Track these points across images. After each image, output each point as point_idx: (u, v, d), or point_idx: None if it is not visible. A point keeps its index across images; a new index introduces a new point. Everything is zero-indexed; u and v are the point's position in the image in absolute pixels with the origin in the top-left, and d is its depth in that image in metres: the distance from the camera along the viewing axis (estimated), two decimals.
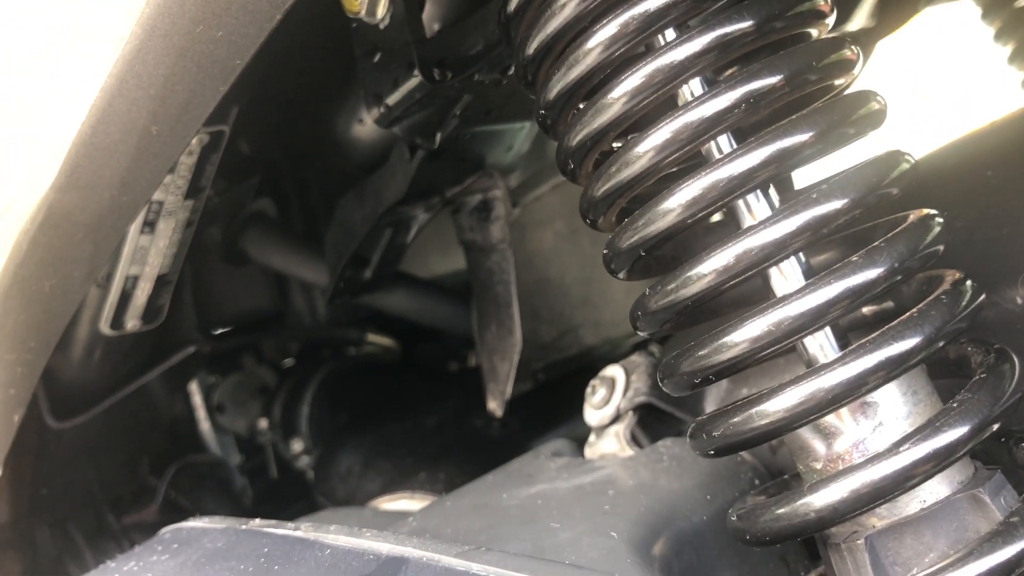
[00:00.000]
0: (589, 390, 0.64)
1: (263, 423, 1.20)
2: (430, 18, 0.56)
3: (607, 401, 0.63)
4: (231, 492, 1.17)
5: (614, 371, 0.64)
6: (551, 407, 0.90)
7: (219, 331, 0.98)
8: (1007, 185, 0.51)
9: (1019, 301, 0.47)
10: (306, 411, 1.12)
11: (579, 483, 0.54)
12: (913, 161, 0.41)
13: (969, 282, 0.40)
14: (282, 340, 1.16)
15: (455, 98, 0.60)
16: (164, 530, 0.58)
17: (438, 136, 0.63)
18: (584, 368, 0.82)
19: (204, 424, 1.19)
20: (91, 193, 0.53)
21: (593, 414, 0.63)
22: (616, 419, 0.62)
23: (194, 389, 1.15)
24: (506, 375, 0.78)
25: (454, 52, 0.56)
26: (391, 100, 0.58)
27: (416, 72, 0.55)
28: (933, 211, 0.41)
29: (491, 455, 0.72)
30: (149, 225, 0.73)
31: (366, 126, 0.73)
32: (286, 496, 1.15)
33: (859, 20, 0.91)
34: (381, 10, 0.55)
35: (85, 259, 0.60)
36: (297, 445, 1.13)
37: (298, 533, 0.49)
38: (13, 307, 0.63)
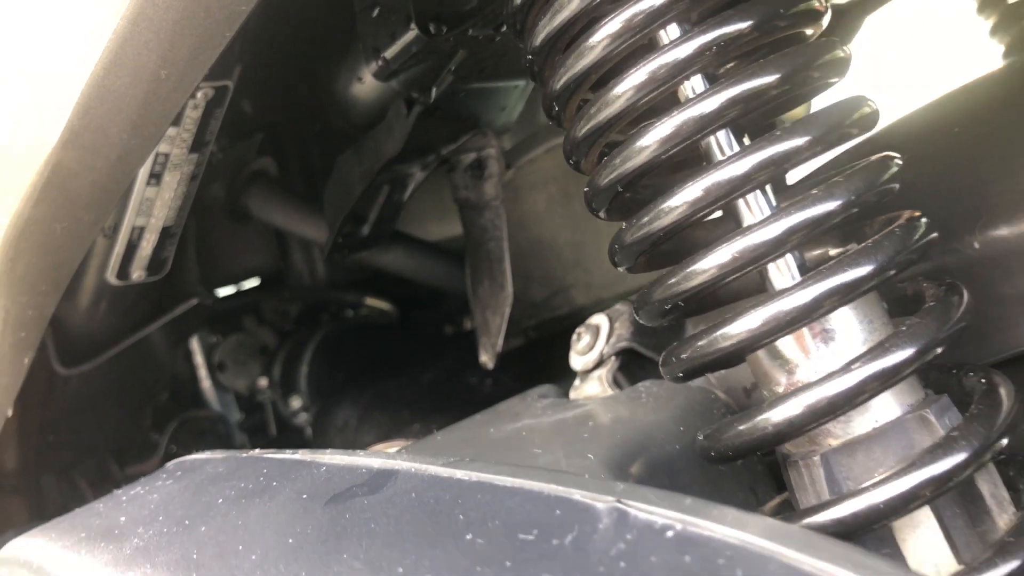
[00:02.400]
0: (575, 337, 0.67)
1: (263, 382, 1.23)
2: None
3: (591, 347, 0.66)
4: (231, 447, 1.20)
5: (599, 319, 0.67)
6: (542, 364, 0.93)
7: (222, 289, 1.01)
8: (971, 140, 0.54)
9: (976, 246, 0.50)
10: (305, 370, 1.16)
11: (561, 418, 0.57)
12: (875, 106, 0.44)
13: (923, 219, 0.43)
14: (282, 301, 1.19)
15: (450, 53, 0.63)
16: (169, 464, 0.61)
17: (434, 91, 0.65)
18: (574, 327, 0.85)
19: (205, 382, 1.23)
20: (102, 136, 0.56)
21: (578, 359, 0.66)
22: (599, 364, 0.65)
23: (196, 348, 1.18)
24: (497, 328, 0.81)
25: (449, 7, 0.58)
26: (389, 53, 0.60)
27: (413, 26, 0.57)
28: (892, 153, 0.44)
29: (484, 408, 0.75)
30: (155, 177, 0.76)
31: (365, 84, 0.76)
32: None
33: None
34: None
35: (95, 203, 0.63)
36: (296, 402, 1.16)
37: (295, 455, 0.52)
38: (25, 249, 0.66)
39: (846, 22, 1.04)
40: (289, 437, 1.19)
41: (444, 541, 0.35)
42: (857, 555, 0.28)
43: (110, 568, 0.45)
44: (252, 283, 1.20)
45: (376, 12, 0.60)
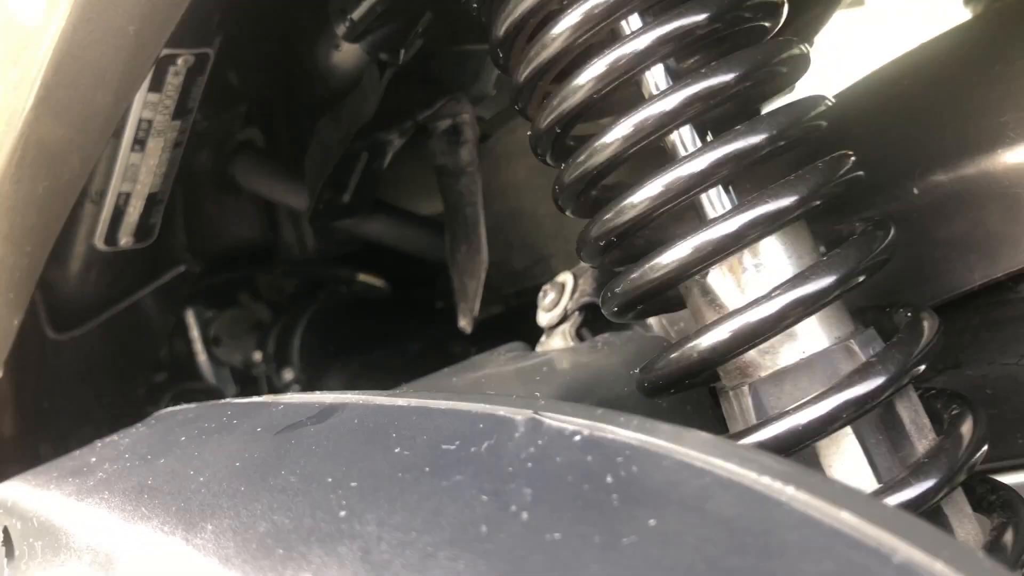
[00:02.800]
0: (541, 294, 0.69)
1: (257, 356, 1.26)
2: None
3: (556, 303, 0.67)
4: None
5: (564, 276, 0.69)
6: (522, 330, 0.94)
7: (208, 261, 1.03)
8: (916, 94, 0.56)
9: (916, 192, 0.51)
10: (297, 343, 1.18)
11: (520, 366, 0.59)
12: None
13: (852, 157, 0.44)
14: (274, 276, 1.21)
15: (416, 15, 0.64)
16: (151, 416, 0.64)
17: (402, 52, 0.67)
18: None
19: (201, 356, 1.25)
20: (75, 92, 0.58)
21: (543, 316, 0.68)
22: (563, 319, 0.67)
23: (192, 323, 1.21)
24: (474, 292, 0.83)
25: None
26: (355, 15, 0.62)
27: None
28: (823, 95, 0.45)
29: None
30: (139, 143, 0.78)
31: (342, 52, 0.77)
32: None
33: None
34: None
35: (73, 161, 0.65)
36: (288, 375, 1.18)
37: (257, 399, 0.54)
38: (8, 208, 0.68)
39: (815, 14, 1.05)
40: None
41: (374, 455, 0.37)
42: (742, 450, 0.30)
43: (72, 498, 0.47)
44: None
45: None
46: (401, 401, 0.42)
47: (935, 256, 0.51)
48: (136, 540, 0.38)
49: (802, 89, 0.51)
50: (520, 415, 0.35)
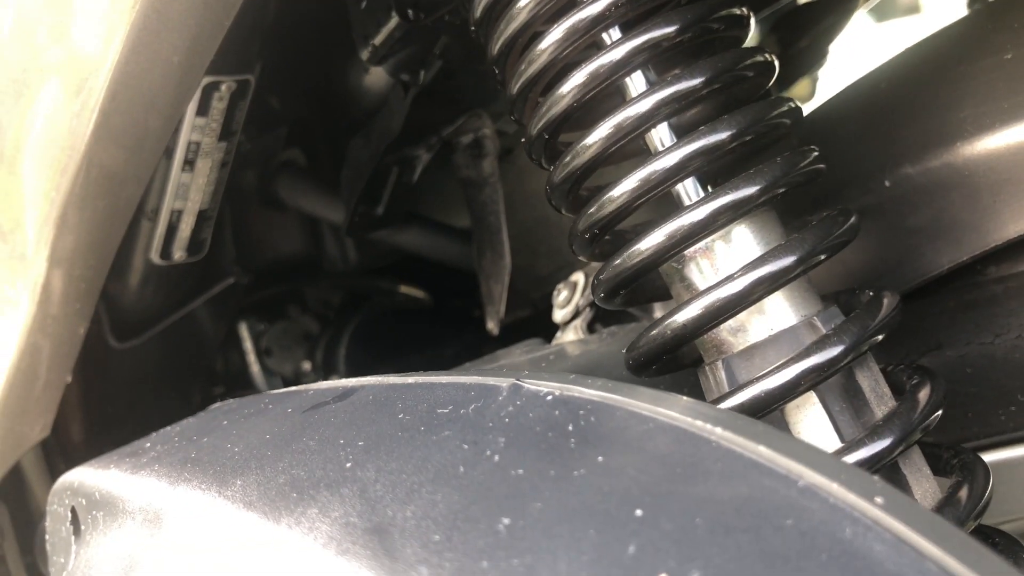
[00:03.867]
0: (555, 292, 0.74)
1: (306, 365, 1.33)
2: None
3: (569, 300, 0.72)
4: None
5: (577, 276, 0.73)
6: (548, 331, 0.99)
7: (258, 271, 1.10)
8: (892, 94, 0.60)
9: (887, 184, 0.55)
10: (343, 352, 1.24)
11: (532, 356, 0.64)
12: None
13: (815, 152, 0.49)
14: (320, 289, 1.28)
15: (432, 38, 0.70)
16: (205, 409, 0.70)
17: (422, 73, 0.73)
18: None
19: (254, 367, 1.32)
20: (129, 118, 0.65)
21: (558, 312, 0.73)
22: (576, 315, 0.72)
23: (245, 335, 1.28)
24: (500, 296, 0.88)
25: None
26: (376, 40, 0.68)
27: (394, 13, 0.65)
28: (788, 97, 0.50)
29: None
30: (189, 164, 0.85)
31: (371, 74, 0.84)
32: None
33: None
34: None
35: (128, 181, 0.72)
36: None
37: (293, 388, 0.60)
38: (73, 225, 0.76)
39: (837, 7, 1.08)
40: None
41: (380, 421, 0.42)
42: (683, 400, 0.35)
43: (127, 473, 0.53)
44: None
45: (364, 3, 0.68)
46: (410, 379, 0.48)
47: (907, 243, 0.55)
48: (178, 497, 0.44)
49: None
50: (505, 383, 0.40)
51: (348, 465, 0.38)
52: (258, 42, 0.80)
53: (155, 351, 1.00)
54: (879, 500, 0.28)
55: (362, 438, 0.41)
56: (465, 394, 0.42)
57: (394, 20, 0.65)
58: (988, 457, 0.59)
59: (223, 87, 0.82)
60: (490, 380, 0.42)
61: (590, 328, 0.71)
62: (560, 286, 0.73)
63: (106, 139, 0.66)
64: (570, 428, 0.35)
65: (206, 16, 0.57)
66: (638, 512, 0.29)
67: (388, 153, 0.84)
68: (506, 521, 0.30)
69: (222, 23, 0.58)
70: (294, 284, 1.25)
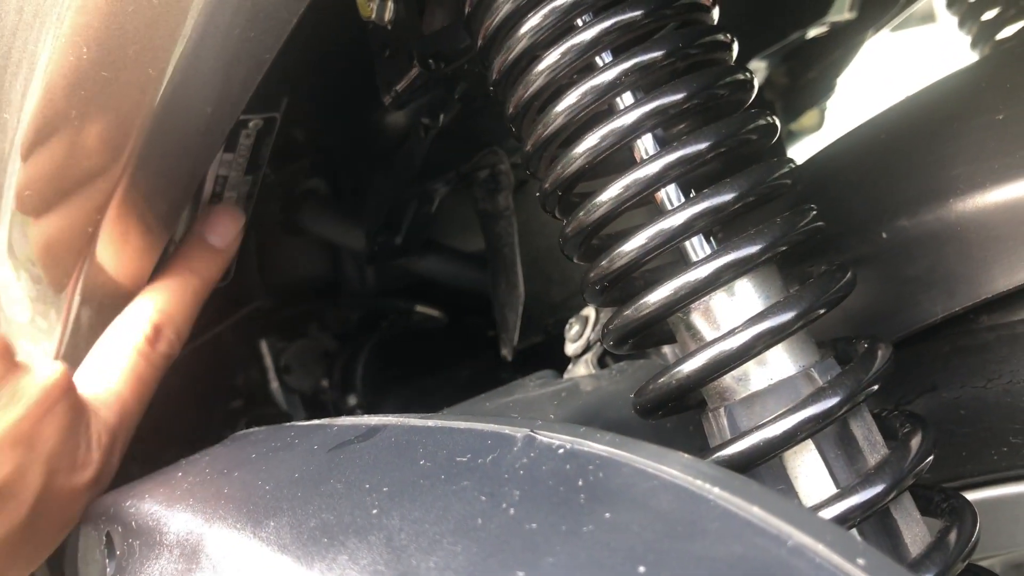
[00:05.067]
0: (567, 327, 0.77)
1: (325, 383, 1.36)
2: (428, 20, 0.70)
3: (580, 335, 0.75)
4: None
5: (588, 311, 0.76)
6: (561, 357, 1.02)
7: (281, 297, 1.13)
8: (890, 146, 0.62)
9: (884, 236, 0.58)
10: (360, 371, 1.27)
11: (543, 392, 0.67)
12: (773, 120, 0.53)
13: (814, 211, 0.51)
14: (340, 309, 1.31)
15: (453, 84, 0.73)
16: (228, 437, 0.74)
17: (442, 116, 0.76)
18: None
19: (274, 384, 1.36)
20: (164, 161, 0.68)
21: (570, 346, 0.76)
22: (587, 349, 0.75)
23: (265, 352, 1.32)
24: (513, 324, 0.91)
25: (446, 47, 0.69)
26: (399, 87, 0.71)
27: (415, 63, 0.68)
28: (788, 157, 0.53)
29: None
30: (217, 196, 0.89)
31: (393, 114, 0.87)
32: None
33: (838, 11, 1.01)
34: (388, 14, 0.69)
35: (163, 216, 0.75)
36: (352, 400, 1.28)
37: (316, 422, 0.63)
38: (103, 265, 0.79)
39: (845, 40, 1.11)
40: None
41: (403, 466, 0.46)
42: (685, 459, 0.37)
43: (163, 505, 0.57)
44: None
45: (387, 52, 0.71)
46: (430, 423, 0.51)
47: (903, 292, 0.57)
48: (215, 536, 0.47)
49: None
50: (520, 433, 0.44)
51: (374, 512, 0.41)
52: (285, 81, 0.84)
53: (181, 372, 1.04)
54: (860, 561, 0.31)
55: (387, 483, 0.44)
56: (482, 442, 0.45)
57: (416, 69, 0.68)
58: (982, 494, 0.62)
59: (250, 125, 0.85)
60: (506, 429, 0.45)
61: (601, 362, 0.74)
62: (572, 320, 0.76)
63: (140, 184, 0.70)
64: (580, 483, 0.38)
65: (239, 78, 0.61)
66: (641, 569, 0.32)
67: (408, 187, 0.88)
68: (521, 574, 0.33)
69: (254, 77, 0.62)
70: (315, 305, 1.28)
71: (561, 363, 0.95)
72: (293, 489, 0.49)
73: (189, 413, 1.17)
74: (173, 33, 0.57)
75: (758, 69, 1.10)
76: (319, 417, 1.38)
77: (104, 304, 0.83)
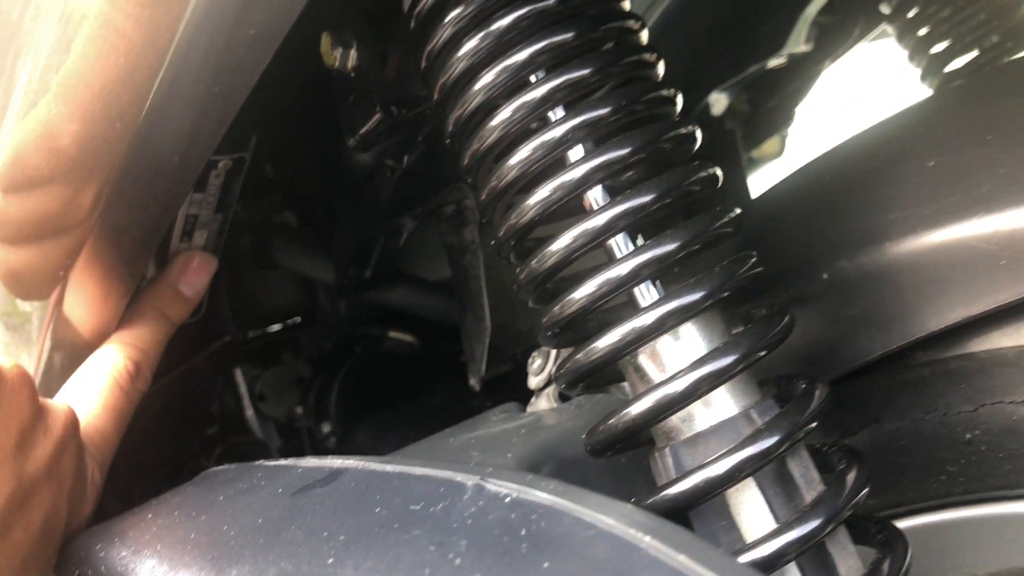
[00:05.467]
0: (530, 360, 0.79)
1: (299, 410, 1.37)
2: (390, 67, 0.72)
3: (543, 369, 0.77)
4: None
5: None
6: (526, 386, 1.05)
7: (251, 328, 1.15)
8: (833, 187, 0.65)
9: (825, 276, 0.60)
10: (334, 398, 1.29)
11: (505, 428, 0.69)
12: (714, 170, 0.55)
13: (753, 257, 0.54)
14: (314, 336, 1.33)
15: (417, 128, 0.76)
16: (197, 476, 0.75)
17: (406, 158, 0.78)
18: None
19: (248, 411, 1.37)
20: (138, 201, 0.69)
21: (532, 379, 0.78)
22: (549, 383, 0.77)
23: (240, 380, 1.33)
24: (480, 355, 0.93)
25: (408, 92, 0.71)
26: (363, 131, 0.73)
27: (378, 109, 0.71)
28: (730, 207, 0.55)
29: None
30: (187, 235, 0.91)
31: (360, 154, 0.89)
32: None
33: (795, 44, 1.05)
34: (351, 63, 0.71)
35: (135, 257, 0.77)
36: (326, 427, 1.30)
37: (283, 462, 0.65)
38: (71, 316, 0.81)
39: (803, 71, 1.14)
40: None
41: (360, 513, 0.48)
42: (621, 507, 0.40)
43: (131, 550, 0.58)
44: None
45: (351, 98, 0.73)
46: (388, 467, 0.53)
47: (843, 330, 0.60)
48: None
49: None
50: (470, 481, 0.46)
51: (330, 561, 0.43)
52: (253, 124, 0.86)
53: (155, 405, 1.05)
54: None
55: (343, 531, 0.46)
56: (435, 490, 0.47)
57: (378, 115, 0.71)
58: (922, 520, 0.64)
59: (220, 165, 0.87)
60: (458, 476, 0.47)
61: (562, 395, 0.76)
62: (535, 354, 0.79)
63: (110, 231, 0.72)
64: (523, 532, 0.40)
65: (205, 121, 0.62)
66: None
67: (376, 222, 0.90)
68: None
69: (221, 127, 0.64)
70: (288, 332, 1.30)
71: (528, 391, 0.97)
72: (256, 535, 0.50)
73: (164, 443, 1.18)
74: (140, 89, 0.59)
75: (719, 99, 1.13)
76: (294, 444, 1.40)
77: (75, 348, 0.85)
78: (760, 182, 1.37)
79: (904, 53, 1.03)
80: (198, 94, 0.60)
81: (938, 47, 1.01)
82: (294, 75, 0.73)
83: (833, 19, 1.10)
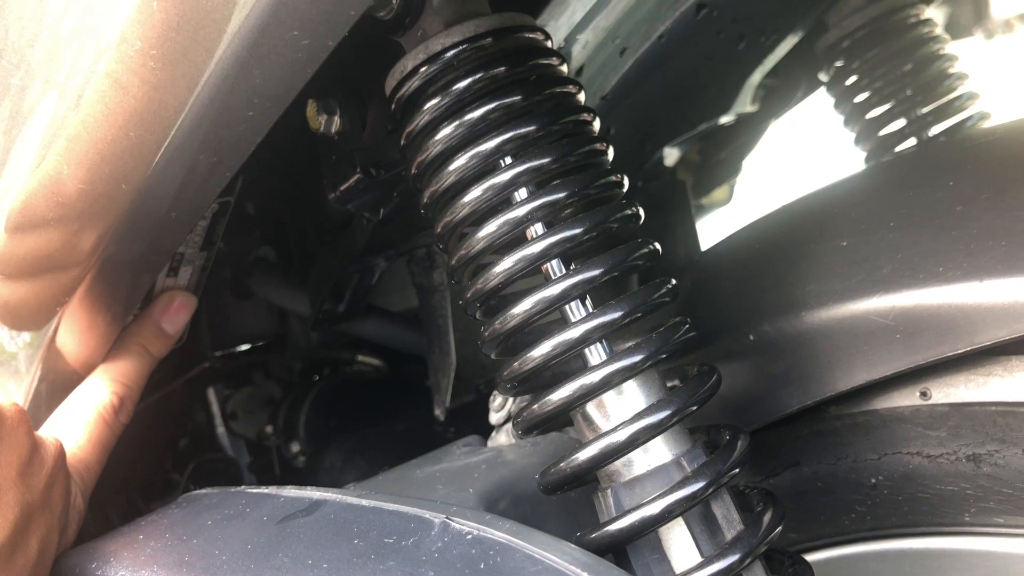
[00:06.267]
0: (491, 397, 0.86)
1: (269, 429, 1.43)
2: (370, 132, 0.80)
3: (503, 406, 0.85)
4: (241, 486, 1.40)
5: None
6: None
7: (226, 351, 1.21)
8: (762, 255, 0.74)
9: (751, 338, 0.69)
10: (303, 418, 1.35)
11: (467, 462, 0.77)
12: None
13: (687, 324, 0.62)
14: (285, 358, 1.39)
15: (393, 186, 0.83)
16: (180, 497, 0.81)
17: (382, 211, 0.86)
18: None
19: (220, 429, 1.43)
20: (135, 245, 0.76)
21: (493, 415, 0.86)
22: (508, 419, 0.84)
23: (212, 399, 1.39)
24: (446, 387, 1.01)
25: (385, 156, 0.79)
26: (343, 188, 0.80)
27: (358, 170, 0.78)
28: (668, 279, 0.63)
29: None
30: (173, 271, 0.97)
31: None
32: None
33: (742, 106, 1.14)
34: (334, 128, 0.78)
35: (130, 297, 0.83)
36: (295, 447, 1.36)
37: (266, 490, 0.71)
38: (60, 352, 0.87)
39: (750, 128, 1.24)
40: (290, 477, 1.38)
41: (340, 544, 0.55)
42: (565, 547, 0.47)
43: (129, 571, 0.65)
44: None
45: (333, 159, 0.80)
46: (364, 502, 0.60)
47: (766, 385, 0.68)
48: None
49: None
50: (438, 518, 0.53)
51: None
52: (240, 169, 0.93)
53: (135, 429, 1.11)
54: None
55: (326, 560, 0.53)
56: (407, 525, 0.54)
57: (358, 175, 0.78)
58: (837, 552, 0.73)
59: (207, 209, 0.94)
60: (426, 513, 0.54)
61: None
62: (496, 392, 0.86)
63: (105, 277, 0.78)
64: (482, 566, 0.47)
65: (201, 183, 0.69)
66: None
67: (351, 263, 0.97)
68: None
69: (217, 188, 0.70)
70: (261, 354, 1.36)
71: (489, 422, 1.05)
72: (246, 560, 0.57)
73: (138, 459, 1.24)
74: (146, 157, 0.66)
75: (672, 152, 1.22)
76: (263, 461, 1.46)
77: (62, 377, 0.91)
78: (710, 227, 1.47)
79: (840, 118, 1.12)
80: (198, 163, 0.67)
81: (872, 114, 1.11)
82: (282, 131, 0.80)
83: (777, 81, 1.20)
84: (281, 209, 1.09)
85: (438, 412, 1.03)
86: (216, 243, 0.98)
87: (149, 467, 1.28)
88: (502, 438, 0.84)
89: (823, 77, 1.13)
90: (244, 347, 1.28)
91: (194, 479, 1.33)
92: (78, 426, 0.84)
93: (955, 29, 1.29)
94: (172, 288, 0.98)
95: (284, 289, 1.14)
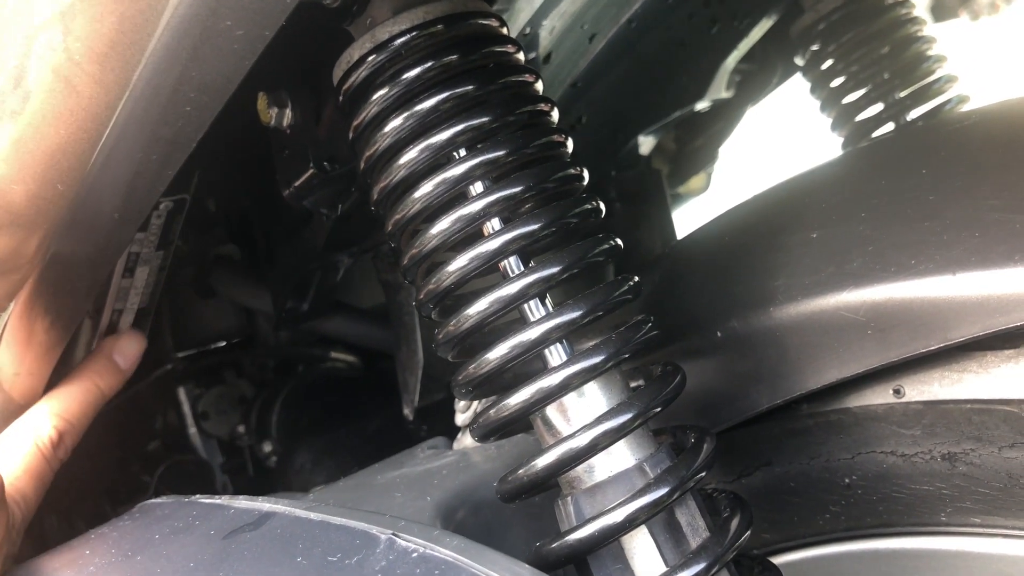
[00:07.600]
0: (456, 399, 0.84)
1: (241, 428, 1.40)
2: (323, 126, 0.76)
3: (468, 407, 0.82)
4: (213, 488, 1.37)
5: None
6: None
7: (188, 352, 1.18)
8: (731, 249, 0.71)
9: (719, 335, 0.66)
10: (275, 418, 1.33)
11: (428, 467, 0.74)
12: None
13: (649, 323, 0.59)
14: (256, 358, 1.36)
15: (348, 181, 0.80)
16: (134, 508, 0.79)
17: (340, 207, 0.82)
18: None
19: (191, 429, 1.40)
20: (70, 258, 0.73)
21: (459, 416, 0.83)
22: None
23: (183, 399, 1.36)
24: (414, 386, 0.98)
25: (340, 150, 0.76)
26: (297, 184, 0.77)
27: (312, 165, 0.75)
28: (631, 276, 0.61)
29: None
30: (129, 271, 0.94)
31: None
32: (259, 490, 1.35)
33: (716, 92, 1.11)
34: (286, 121, 0.75)
35: (83, 289, 0.80)
36: (268, 447, 1.33)
37: (217, 500, 0.69)
38: (15, 350, 0.84)
39: (726, 115, 1.21)
40: (264, 478, 1.35)
41: (283, 562, 0.52)
42: (511, 563, 0.45)
43: None
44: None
45: (285, 153, 0.77)
46: (312, 515, 0.57)
47: (735, 384, 0.66)
48: None
49: None
50: (384, 534, 0.50)
51: None
52: (194, 164, 0.89)
53: (99, 431, 1.08)
54: None
55: None
56: (352, 541, 0.51)
57: (311, 171, 0.75)
58: (811, 553, 0.71)
59: (161, 207, 0.91)
60: (374, 529, 0.52)
61: None
62: None
63: (47, 285, 0.75)
64: None
65: (143, 181, 0.66)
66: None
67: (313, 261, 0.94)
68: None
69: (159, 186, 0.67)
70: (231, 353, 1.33)
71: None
72: None
73: (105, 462, 1.21)
74: (82, 157, 0.62)
75: (647, 140, 1.19)
76: (236, 461, 1.43)
77: (17, 380, 0.88)
78: (687, 216, 1.44)
79: (817, 104, 1.09)
80: (138, 160, 0.64)
81: (849, 98, 1.08)
82: (234, 121, 0.76)
83: (753, 66, 1.17)
84: (244, 205, 1.06)
85: (407, 411, 1.00)
86: (174, 241, 0.95)
87: (117, 470, 1.25)
88: (467, 439, 0.81)
89: (799, 61, 1.11)
90: (210, 347, 1.25)
91: (164, 481, 1.31)
92: (16, 457, 0.82)
93: (940, 11, 1.27)
94: (127, 288, 0.95)
95: (246, 287, 1.11)
